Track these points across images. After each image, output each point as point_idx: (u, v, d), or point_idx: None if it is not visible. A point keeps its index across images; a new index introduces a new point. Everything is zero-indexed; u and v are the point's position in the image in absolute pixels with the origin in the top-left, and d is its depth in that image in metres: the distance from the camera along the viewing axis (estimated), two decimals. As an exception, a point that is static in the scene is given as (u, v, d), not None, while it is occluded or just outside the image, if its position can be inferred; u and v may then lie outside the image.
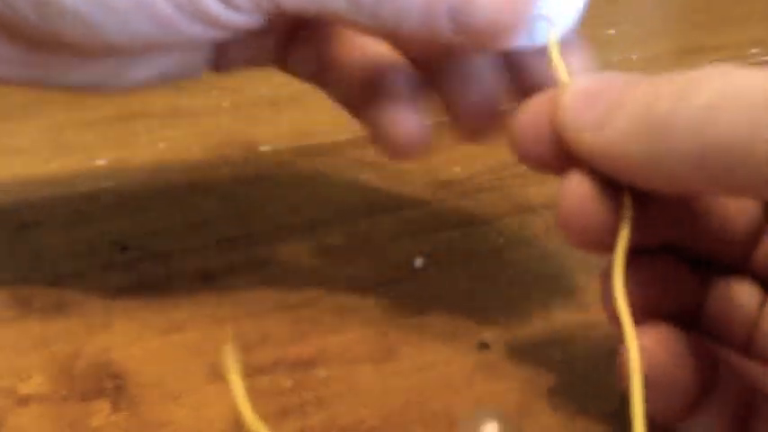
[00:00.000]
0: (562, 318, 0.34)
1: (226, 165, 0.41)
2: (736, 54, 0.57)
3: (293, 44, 0.33)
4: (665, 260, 0.27)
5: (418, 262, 0.36)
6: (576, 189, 0.26)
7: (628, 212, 0.25)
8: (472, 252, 0.37)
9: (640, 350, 0.25)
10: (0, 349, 0.30)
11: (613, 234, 0.26)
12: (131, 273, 0.35)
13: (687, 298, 0.28)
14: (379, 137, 0.31)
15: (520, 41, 0.28)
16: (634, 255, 0.26)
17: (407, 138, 0.31)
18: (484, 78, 0.31)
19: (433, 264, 0.36)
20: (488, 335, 0.33)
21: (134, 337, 0.31)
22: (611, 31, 0.59)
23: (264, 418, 0.28)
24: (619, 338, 0.26)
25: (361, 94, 0.32)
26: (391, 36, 0.28)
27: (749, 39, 0.59)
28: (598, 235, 0.26)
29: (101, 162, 0.41)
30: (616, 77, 0.26)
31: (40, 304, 0.32)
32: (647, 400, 0.25)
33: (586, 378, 0.31)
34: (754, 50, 0.57)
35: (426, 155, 0.31)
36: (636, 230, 0.26)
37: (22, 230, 0.36)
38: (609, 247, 0.26)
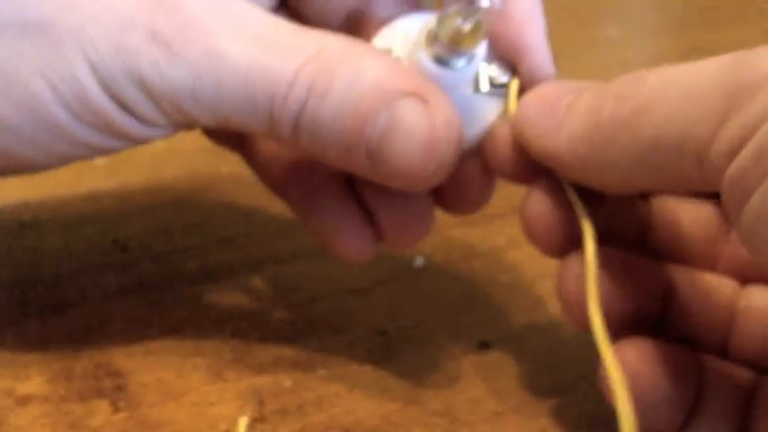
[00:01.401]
0: (562, 317, 0.34)
1: (226, 165, 0.41)
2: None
3: None
4: (629, 257, 0.28)
5: (418, 262, 0.36)
6: (534, 205, 0.28)
7: (588, 232, 0.27)
8: (472, 252, 0.37)
9: (622, 366, 0.25)
10: (0, 349, 0.30)
11: (573, 243, 0.27)
12: (131, 273, 0.35)
13: (655, 297, 0.28)
14: (321, 239, 0.31)
15: None
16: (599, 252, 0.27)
17: (352, 254, 0.30)
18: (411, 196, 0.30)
19: (433, 264, 0.36)
20: (488, 335, 0.33)
21: (134, 337, 0.31)
22: (611, 31, 0.59)
23: (264, 418, 0.28)
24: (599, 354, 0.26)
25: (291, 187, 0.31)
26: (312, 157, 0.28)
27: (749, 38, 0.59)
28: (559, 244, 0.27)
29: (101, 162, 0.41)
30: (569, 84, 0.27)
31: (40, 304, 0.32)
32: (639, 416, 0.26)
33: (586, 378, 0.31)
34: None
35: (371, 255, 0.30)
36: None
37: (22, 230, 0.36)
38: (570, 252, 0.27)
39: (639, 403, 0.25)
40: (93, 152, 0.28)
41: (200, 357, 0.31)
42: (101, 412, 0.28)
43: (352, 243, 0.30)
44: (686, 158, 0.23)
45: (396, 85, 0.26)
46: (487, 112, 0.28)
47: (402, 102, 0.26)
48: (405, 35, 0.29)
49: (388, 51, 0.28)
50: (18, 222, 0.37)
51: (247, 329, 0.32)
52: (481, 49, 0.28)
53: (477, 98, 0.28)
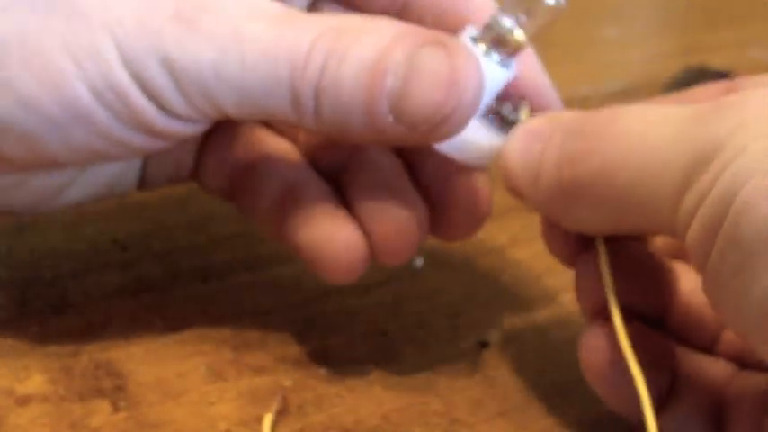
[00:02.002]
0: (562, 317, 0.34)
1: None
2: (736, 53, 0.57)
3: (205, 156, 0.32)
4: (632, 254, 0.28)
5: (418, 262, 0.36)
6: (546, 233, 0.28)
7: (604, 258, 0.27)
8: (472, 252, 0.37)
9: (597, 343, 0.26)
10: (0, 349, 0.30)
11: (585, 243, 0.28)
12: (131, 273, 0.35)
13: (654, 294, 0.28)
14: (311, 257, 0.29)
15: (452, 152, 0.28)
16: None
17: (343, 267, 0.29)
18: (399, 199, 0.29)
19: (433, 264, 0.36)
20: (488, 335, 0.33)
21: (134, 337, 0.31)
22: (611, 31, 0.59)
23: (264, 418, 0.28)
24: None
25: (279, 210, 0.31)
26: (337, 135, 0.27)
27: (749, 38, 0.59)
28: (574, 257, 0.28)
29: (101, 162, 0.41)
30: (544, 125, 0.27)
31: (40, 304, 0.32)
32: (609, 397, 0.26)
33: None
34: (754, 50, 0.57)
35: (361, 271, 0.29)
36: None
37: (21, 230, 0.36)
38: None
39: (609, 382, 0.26)
40: (114, 148, 0.27)
41: (200, 357, 0.31)
42: (101, 412, 0.28)
43: (342, 254, 0.29)
44: (654, 221, 0.24)
45: (413, 37, 0.26)
46: (490, 143, 0.28)
47: (421, 49, 0.26)
48: None
49: None
50: (18, 222, 0.37)
51: (247, 329, 0.32)
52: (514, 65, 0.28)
53: (484, 125, 0.28)
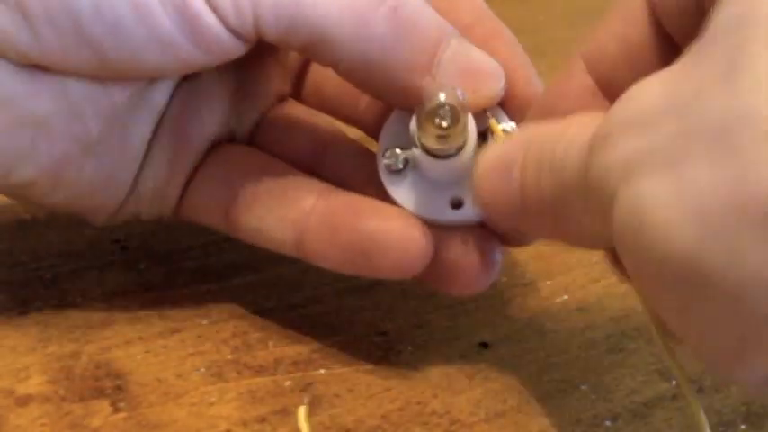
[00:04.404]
0: (562, 317, 0.34)
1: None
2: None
3: (194, 194, 0.32)
4: None
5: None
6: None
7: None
8: (472, 252, 0.37)
9: None
10: (0, 349, 0.30)
11: None
12: (131, 273, 0.35)
13: None
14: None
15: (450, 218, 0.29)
16: None
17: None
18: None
19: (433, 264, 0.36)
20: (488, 335, 0.33)
21: (134, 337, 0.31)
22: (611, 31, 0.59)
23: (264, 418, 0.28)
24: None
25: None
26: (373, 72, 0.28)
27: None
28: None
29: (101, 162, 0.41)
30: (514, 152, 0.26)
31: (40, 304, 0.32)
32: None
33: (586, 378, 0.31)
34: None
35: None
36: None
37: (22, 230, 0.36)
38: None
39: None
40: (170, 56, 0.27)
41: (200, 357, 0.31)
42: (101, 412, 0.28)
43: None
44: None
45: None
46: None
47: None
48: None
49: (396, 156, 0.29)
50: (18, 222, 0.37)
51: (247, 329, 0.32)
52: (471, 126, 0.28)
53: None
